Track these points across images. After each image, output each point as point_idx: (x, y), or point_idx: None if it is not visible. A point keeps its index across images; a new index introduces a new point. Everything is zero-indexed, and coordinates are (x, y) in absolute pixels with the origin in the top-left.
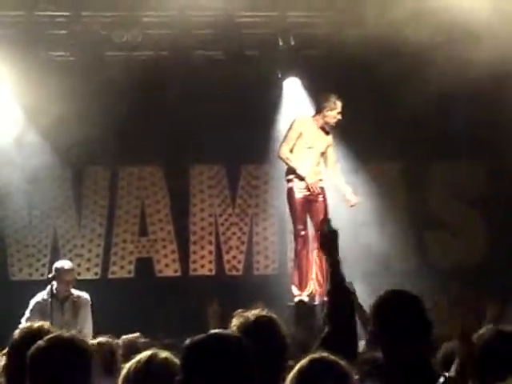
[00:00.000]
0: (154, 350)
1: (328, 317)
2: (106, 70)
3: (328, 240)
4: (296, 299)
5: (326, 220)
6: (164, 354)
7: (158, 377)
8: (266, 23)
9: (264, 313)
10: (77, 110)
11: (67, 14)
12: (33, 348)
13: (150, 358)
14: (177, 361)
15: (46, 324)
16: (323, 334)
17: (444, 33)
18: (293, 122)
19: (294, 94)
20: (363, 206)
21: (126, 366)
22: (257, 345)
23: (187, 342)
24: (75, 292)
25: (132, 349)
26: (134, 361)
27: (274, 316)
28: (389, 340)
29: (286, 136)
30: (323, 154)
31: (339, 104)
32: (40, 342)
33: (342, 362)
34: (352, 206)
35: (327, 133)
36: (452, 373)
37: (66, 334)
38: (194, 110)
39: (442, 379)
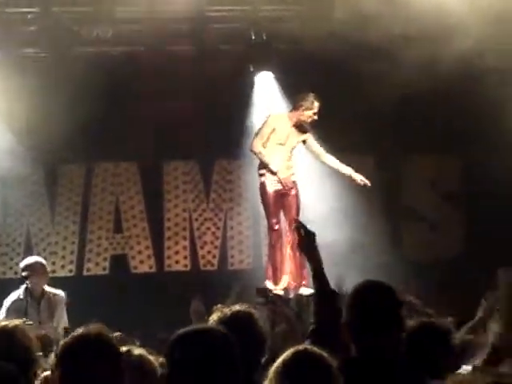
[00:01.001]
0: (129, 347)
1: (314, 315)
2: (77, 66)
3: (306, 243)
4: (270, 293)
5: (300, 224)
6: (138, 350)
7: (132, 373)
8: (237, 17)
9: (242, 308)
10: (50, 106)
11: (37, 10)
12: (60, 346)
13: (125, 355)
14: (151, 357)
15: (13, 322)
16: (310, 330)
17: (416, 26)
18: (267, 118)
19: (266, 88)
20: (338, 200)
21: None
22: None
23: (173, 335)
24: (50, 290)
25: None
26: None
27: (253, 311)
28: (362, 330)
29: (259, 131)
30: (294, 148)
31: (317, 105)
32: (67, 340)
33: (326, 355)
34: (362, 185)
35: (304, 130)
36: (478, 362)
37: (92, 329)
38: (167, 106)
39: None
